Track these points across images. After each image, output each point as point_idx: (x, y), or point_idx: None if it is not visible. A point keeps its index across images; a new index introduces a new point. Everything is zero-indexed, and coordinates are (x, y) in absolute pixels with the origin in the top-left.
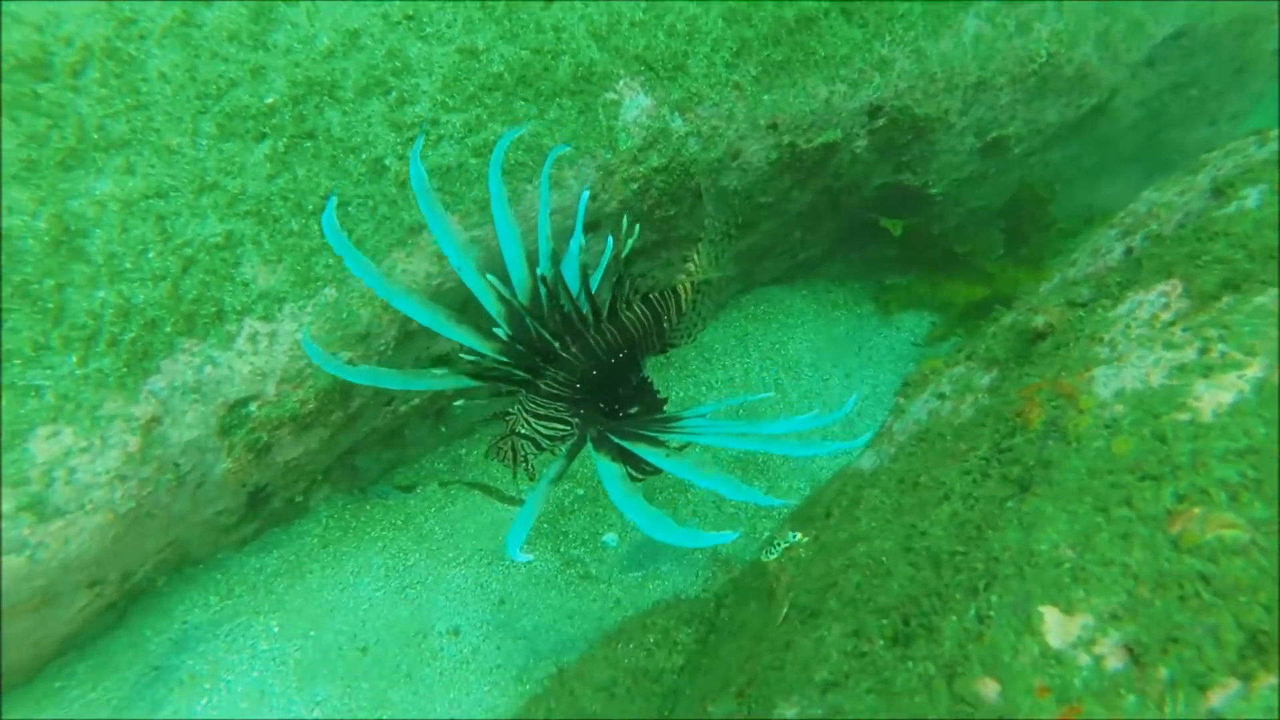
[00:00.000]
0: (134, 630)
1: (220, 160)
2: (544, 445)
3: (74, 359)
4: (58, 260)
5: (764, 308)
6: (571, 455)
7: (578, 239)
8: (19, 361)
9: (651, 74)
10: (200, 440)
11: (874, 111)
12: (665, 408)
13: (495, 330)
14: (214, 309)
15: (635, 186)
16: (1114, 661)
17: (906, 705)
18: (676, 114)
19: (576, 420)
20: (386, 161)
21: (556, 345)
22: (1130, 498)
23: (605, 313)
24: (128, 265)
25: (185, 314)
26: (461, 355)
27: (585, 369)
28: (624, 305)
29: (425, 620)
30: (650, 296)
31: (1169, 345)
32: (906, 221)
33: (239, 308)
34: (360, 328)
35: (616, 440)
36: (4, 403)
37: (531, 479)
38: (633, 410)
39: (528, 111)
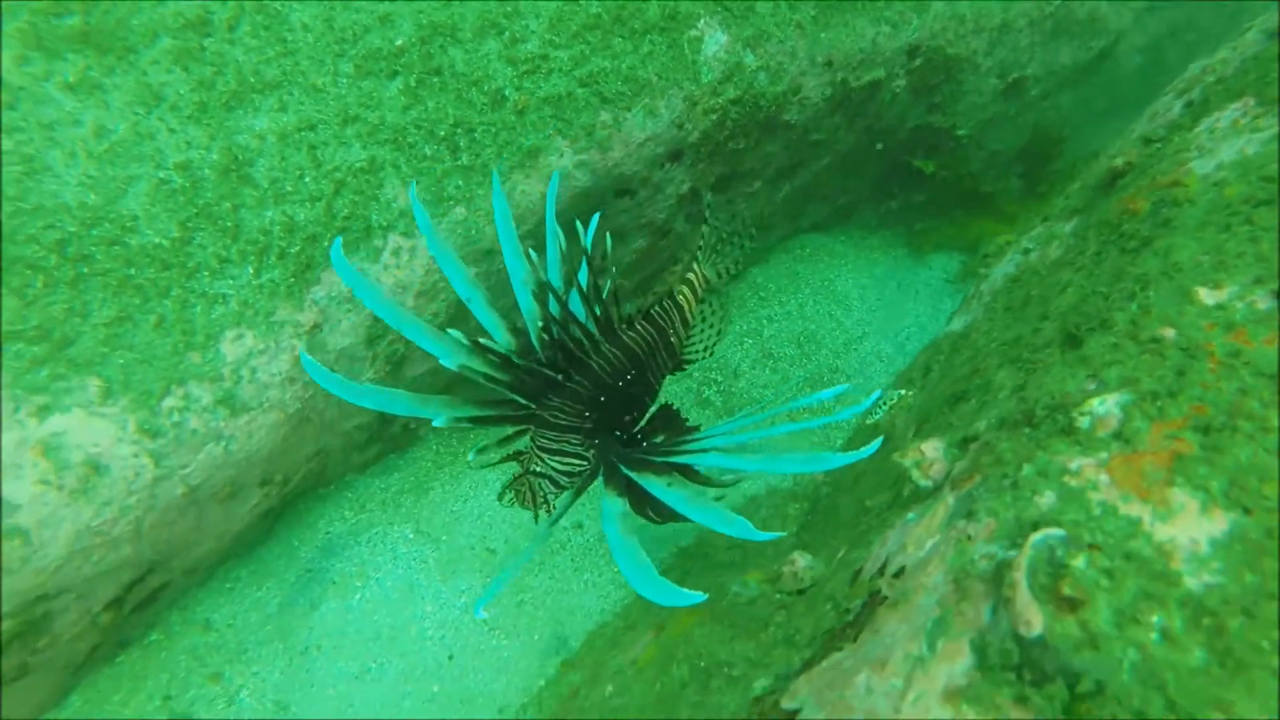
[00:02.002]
0: (283, 541)
1: (360, 96)
2: (563, 483)
3: (250, 270)
4: (230, 185)
5: (809, 250)
6: (579, 492)
7: (584, 269)
8: (207, 274)
9: (727, 13)
10: (351, 348)
11: (912, 52)
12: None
13: (509, 359)
14: (363, 225)
15: (714, 118)
16: (1263, 304)
17: (1099, 360)
18: (749, 50)
19: (592, 453)
20: (505, 92)
21: (559, 376)
22: (1251, 218)
23: (604, 331)
24: (289, 188)
25: (339, 230)
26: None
27: (591, 396)
28: (623, 325)
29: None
30: (651, 311)
31: (1255, 130)
32: (937, 161)
33: (384, 224)
34: (486, 244)
35: (626, 472)
36: (199, 309)
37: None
38: (657, 440)
39: (624, 47)
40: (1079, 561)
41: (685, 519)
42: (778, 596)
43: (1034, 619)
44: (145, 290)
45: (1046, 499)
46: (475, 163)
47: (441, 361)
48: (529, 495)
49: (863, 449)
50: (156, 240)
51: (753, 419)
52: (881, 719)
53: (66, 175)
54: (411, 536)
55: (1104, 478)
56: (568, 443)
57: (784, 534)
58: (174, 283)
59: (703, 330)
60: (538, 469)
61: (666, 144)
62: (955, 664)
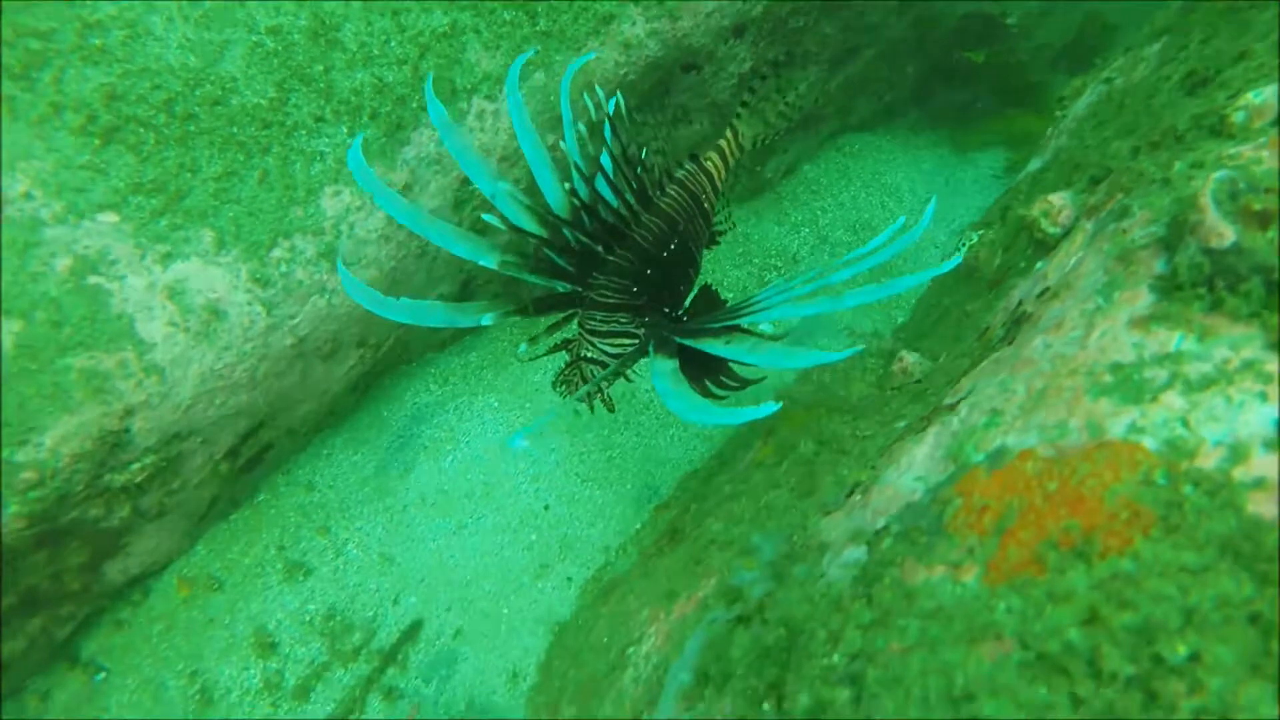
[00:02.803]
0: (372, 412)
1: None
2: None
3: (345, 129)
4: (320, 49)
5: (857, 147)
6: (624, 366)
7: (609, 134)
8: (305, 132)
9: None
10: (439, 211)
11: None
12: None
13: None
14: (449, 87)
15: None
16: None
17: (1240, 81)
18: None
19: (642, 331)
20: None
21: (600, 249)
22: None
23: (641, 201)
24: (376, 52)
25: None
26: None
27: (637, 269)
28: (656, 191)
29: (628, 387)
30: (679, 176)
31: None
32: (988, 51)
33: (468, 87)
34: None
35: (680, 340)
36: (299, 165)
37: (610, 408)
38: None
39: None
40: (1259, 201)
41: (744, 386)
42: (890, 392)
43: (1225, 231)
44: (248, 147)
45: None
46: (553, 28)
47: (480, 263)
48: (580, 384)
49: (942, 264)
50: (255, 100)
51: (803, 278)
52: (1069, 356)
53: (168, 38)
54: (496, 405)
55: (1266, 154)
56: (617, 322)
57: (862, 348)
58: (274, 140)
59: (725, 202)
60: (589, 354)
61: (731, 16)
62: (1136, 304)
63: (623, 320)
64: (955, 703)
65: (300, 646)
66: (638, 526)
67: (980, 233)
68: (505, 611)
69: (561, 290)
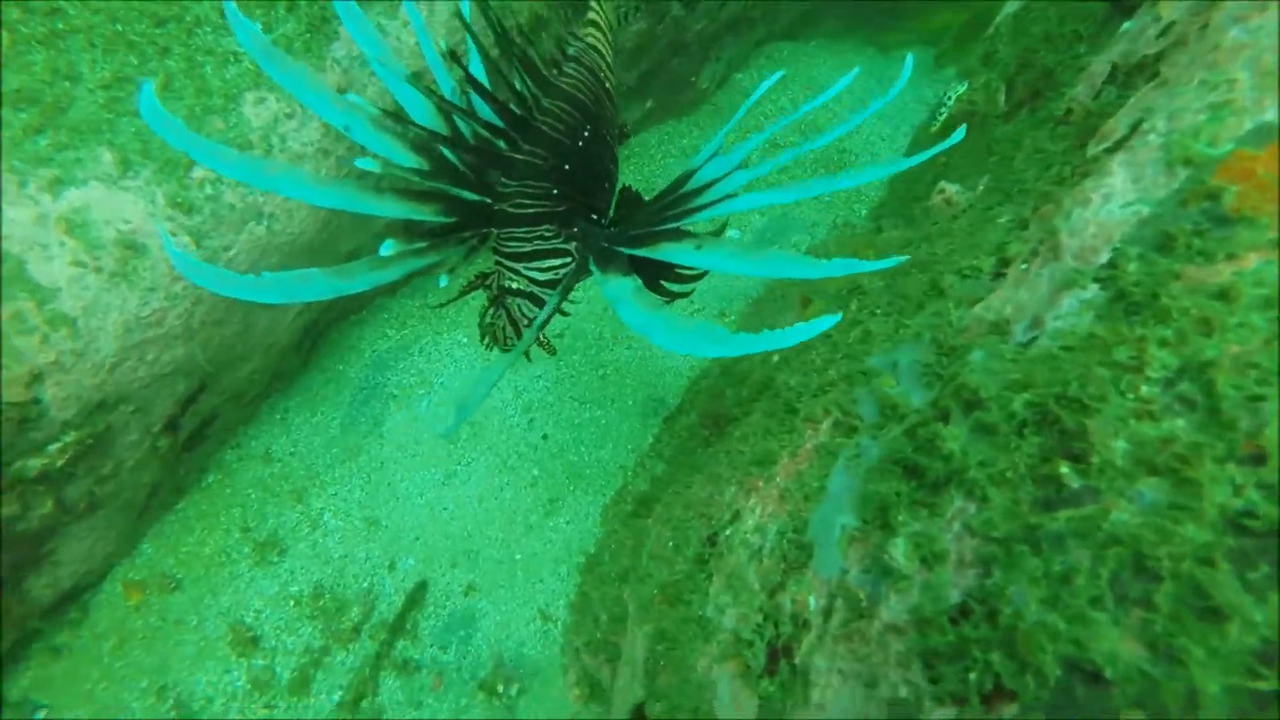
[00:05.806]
0: (326, 369)
1: None
2: (548, 297)
3: (260, 24)
4: None
5: (786, 53)
6: (566, 290)
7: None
8: (209, 29)
9: None
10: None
11: None
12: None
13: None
14: None
15: None
16: None
17: None
18: None
19: (573, 244)
20: None
21: (504, 145)
22: None
23: (538, 84)
24: None
25: None
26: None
27: (553, 165)
28: (553, 71)
29: (600, 304)
30: (571, 53)
31: None
32: None
33: None
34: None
35: (628, 252)
36: (209, 68)
37: (551, 351)
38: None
39: None
40: None
41: (687, 294)
42: (935, 225)
43: None
44: (141, 48)
45: None
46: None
47: (365, 211)
48: (507, 328)
49: (950, 138)
50: None
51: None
52: None
53: None
54: (465, 340)
55: None
56: (541, 237)
57: (897, 259)
58: (174, 40)
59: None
60: (515, 285)
61: None
62: None
63: (547, 234)
64: None
65: (288, 635)
66: (649, 441)
67: (963, 86)
68: (519, 557)
69: (458, 215)
